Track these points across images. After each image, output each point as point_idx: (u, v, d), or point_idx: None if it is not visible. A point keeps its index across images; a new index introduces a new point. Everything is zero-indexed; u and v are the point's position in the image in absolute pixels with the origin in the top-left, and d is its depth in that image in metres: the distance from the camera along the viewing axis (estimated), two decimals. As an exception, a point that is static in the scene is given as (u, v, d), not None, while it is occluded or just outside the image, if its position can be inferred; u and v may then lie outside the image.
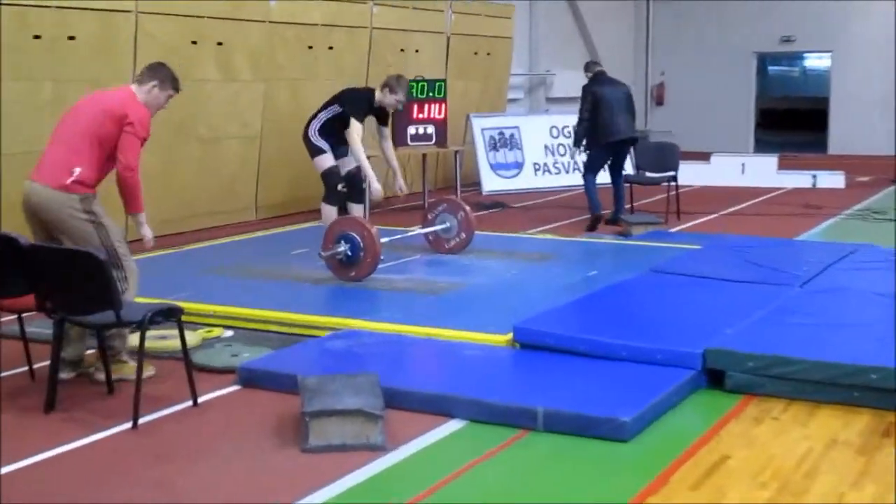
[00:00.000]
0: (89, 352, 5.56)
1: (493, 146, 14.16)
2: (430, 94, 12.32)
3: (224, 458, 4.47)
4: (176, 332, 5.18)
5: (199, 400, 5.13)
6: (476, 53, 14.95)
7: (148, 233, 5.61)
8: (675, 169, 11.38)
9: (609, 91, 10.38)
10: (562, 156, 14.50)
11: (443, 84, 12.53)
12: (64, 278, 4.94)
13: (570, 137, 14.55)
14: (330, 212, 9.04)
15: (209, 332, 6.40)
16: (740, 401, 5.12)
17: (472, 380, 5.28)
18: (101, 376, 5.35)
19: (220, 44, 10.70)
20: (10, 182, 8.25)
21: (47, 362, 5.12)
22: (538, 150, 14.49)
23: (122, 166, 5.31)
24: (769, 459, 4.38)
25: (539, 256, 8.73)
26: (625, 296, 6.87)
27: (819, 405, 5.02)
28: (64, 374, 5.34)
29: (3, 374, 5.63)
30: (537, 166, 14.43)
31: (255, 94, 11.29)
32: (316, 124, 9.24)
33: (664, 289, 7.01)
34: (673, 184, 11.31)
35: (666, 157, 11.59)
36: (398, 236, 8.76)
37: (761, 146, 20.34)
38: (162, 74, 5.55)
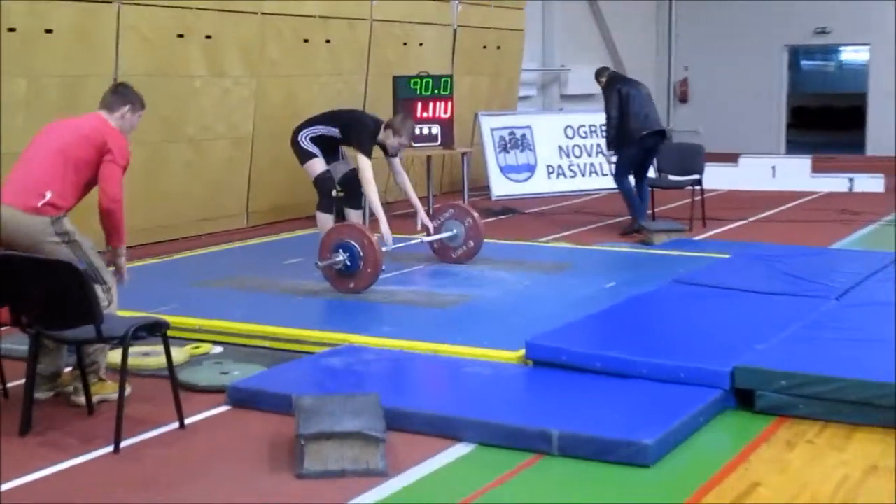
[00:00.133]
0: (67, 370, 5.57)
1: (504, 147, 14.18)
2: (436, 91, 12.35)
3: (213, 484, 4.47)
4: (161, 348, 5.19)
5: (186, 422, 5.14)
6: (485, 47, 14.99)
7: (125, 267, 5.65)
8: (701, 172, 11.38)
9: (632, 87, 10.85)
10: (577, 157, 14.53)
11: (449, 80, 12.56)
12: (40, 290, 4.96)
13: (585, 138, 14.62)
14: (325, 220, 9.03)
15: (197, 348, 6.41)
16: (771, 423, 5.11)
17: (481, 400, 5.28)
18: (80, 399, 5.37)
19: (208, 37, 10.74)
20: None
21: (22, 381, 5.13)
22: (552, 152, 14.50)
23: (107, 198, 5.40)
24: (802, 487, 4.37)
25: (553, 266, 8.73)
26: (646, 309, 6.87)
27: (857, 428, 5.00)
28: (40, 394, 5.36)
29: (-25, 393, 5.64)
30: (551, 169, 14.44)
31: (246, 91, 11.32)
32: (308, 133, 9.14)
33: (688, 301, 7.01)
34: (698, 188, 11.31)
35: (690, 158, 11.60)
36: (401, 244, 8.77)
37: (793, 147, 20.33)
38: (132, 96, 5.68)
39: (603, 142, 14.05)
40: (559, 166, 14.50)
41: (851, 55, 24.50)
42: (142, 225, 9.99)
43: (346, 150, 9.36)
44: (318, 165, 9.07)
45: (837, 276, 7.61)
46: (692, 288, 7.37)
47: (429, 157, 12.63)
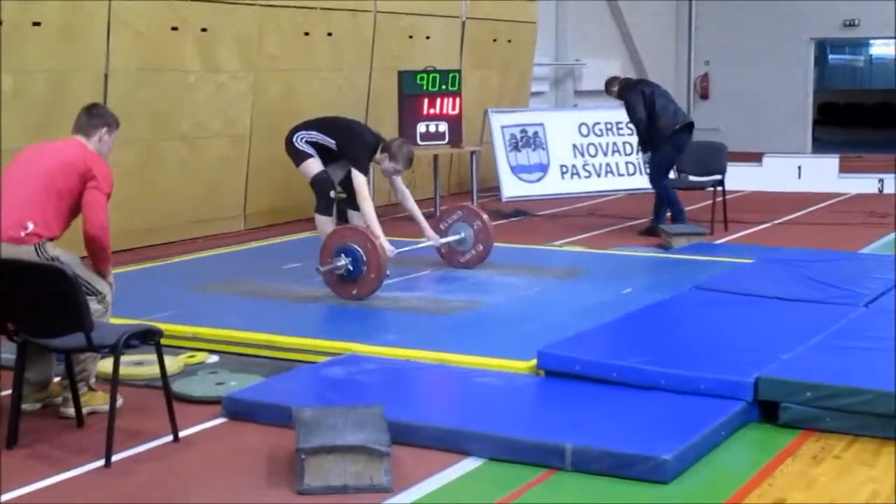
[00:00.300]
0: (56, 380, 5.59)
1: (515, 146, 14.19)
2: (443, 86, 12.36)
3: (208, 500, 4.48)
4: (154, 357, 5.20)
5: (181, 434, 5.15)
6: (495, 40, 15.01)
7: (113, 286, 5.67)
8: (722, 172, 11.39)
9: (652, 87, 11.22)
10: (592, 157, 14.54)
11: (457, 75, 12.57)
12: (27, 296, 4.97)
13: (601, 136, 14.65)
14: (325, 222, 9.01)
15: (191, 357, 6.42)
16: (797, 437, 5.11)
17: (490, 412, 5.29)
18: (70, 410, 5.38)
19: (203, 30, 10.76)
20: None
21: (9, 391, 5.15)
22: (565, 151, 14.51)
23: (94, 226, 5.43)
24: (830, 504, 4.38)
25: (566, 272, 8.74)
26: (664, 317, 6.88)
27: (886, 442, 5.00)
28: (28, 405, 5.38)
29: (-41, 404, 5.67)
30: (564, 169, 14.45)
31: (244, 86, 11.35)
32: (304, 136, 9.13)
33: (709, 309, 7.01)
34: (719, 189, 11.31)
35: (711, 158, 11.60)
36: (406, 248, 8.78)
37: (820, 146, 20.34)
38: (108, 117, 5.71)
39: (620, 140, 14.12)
40: (573, 166, 14.50)
41: (882, 49, 24.51)
42: (134, 227, 10.03)
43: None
44: (315, 166, 9.05)
45: (866, 282, 7.61)
46: (713, 294, 7.37)
47: (436, 157, 12.63)
